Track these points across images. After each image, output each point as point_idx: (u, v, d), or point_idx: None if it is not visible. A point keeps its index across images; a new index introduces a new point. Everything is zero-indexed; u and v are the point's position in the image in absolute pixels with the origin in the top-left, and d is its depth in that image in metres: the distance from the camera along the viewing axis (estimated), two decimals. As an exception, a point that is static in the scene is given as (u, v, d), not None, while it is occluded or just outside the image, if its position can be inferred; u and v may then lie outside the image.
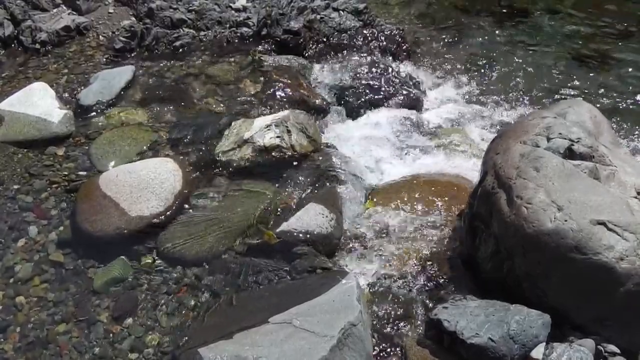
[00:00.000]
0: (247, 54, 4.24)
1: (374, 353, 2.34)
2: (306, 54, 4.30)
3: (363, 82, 4.03)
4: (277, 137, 3.26)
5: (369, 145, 3.62)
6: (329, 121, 3.84)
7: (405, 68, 4.38)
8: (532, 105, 4.09)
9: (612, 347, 2.21)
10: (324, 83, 4.08)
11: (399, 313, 2.55)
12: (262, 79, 3.95)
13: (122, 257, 2.77)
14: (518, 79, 4.42)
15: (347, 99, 3.96)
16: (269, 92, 3.83)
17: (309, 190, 3.10)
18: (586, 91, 4.26)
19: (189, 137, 3.45)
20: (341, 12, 4.61)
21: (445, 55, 4.74)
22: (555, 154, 2.48)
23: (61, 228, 2.92)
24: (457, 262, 2.78)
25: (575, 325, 2.28)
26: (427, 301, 2.60)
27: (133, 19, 4.66)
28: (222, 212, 2.96)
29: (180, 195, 3.00)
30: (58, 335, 2.48)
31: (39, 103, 3.57)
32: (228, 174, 3.21)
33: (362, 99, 3.96)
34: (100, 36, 4.51)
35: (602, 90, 4.26)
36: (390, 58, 4.44)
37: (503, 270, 2.44)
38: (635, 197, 2.41)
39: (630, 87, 4.31)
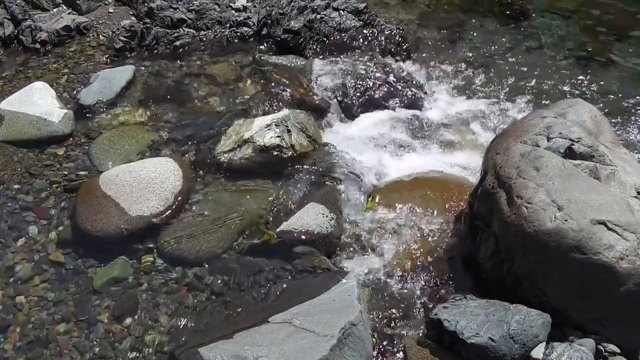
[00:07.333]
0: (247, 54, 4.24)
1: (374, 353, 2.34)
2: (306, 54, 4.30)
3: (363, 81, 4.03)
4: (277, 136, 3.26)
5: (368, 145, 3.61)
6: (329, 121, 3.83)
7: (405, 68, 4.38)
8: (532, 105, 4.08)
9: (612, 347, 2.21)
10: (324, 83, 4.07)
11: (399, 313, 2.56)
12: (262, 78, 3.95)
13: (122, 256, 2.77)
14: (518, 79, 4.41)
15: (347, 98, 3.95)
16: (269, 92, 3.83)
17: (309, 190, 3.09)
18: (586, 91, 4.26)
19: (189, 136, 3.45)
20: (341, 11, 4.61)
21: (445, 55, 4.73)
22: (556, 154, 2.48)
23: (61, 228, 2.92)
24: (457, 262, 2.78)
25: (575, 325, 2.28)
26: (427, 301, 2.60)
27: (133, 18, 4.67)
28: (222, 211, 2.96)
29: (181, 194, 3.00)
30: (58, 335, 2.48)
31: (39, 103, 3.57)
32: (228, 173, 3.21)
33: (362, 99, 3.96)
34: (101, 36, 4.51)
35: (602, 90, 4.26)
36: (391, 58, 4.44)
37: (503, 270, 2.44)
38: (636, 197, 2.40)
39: (630, 87, 4.30)
